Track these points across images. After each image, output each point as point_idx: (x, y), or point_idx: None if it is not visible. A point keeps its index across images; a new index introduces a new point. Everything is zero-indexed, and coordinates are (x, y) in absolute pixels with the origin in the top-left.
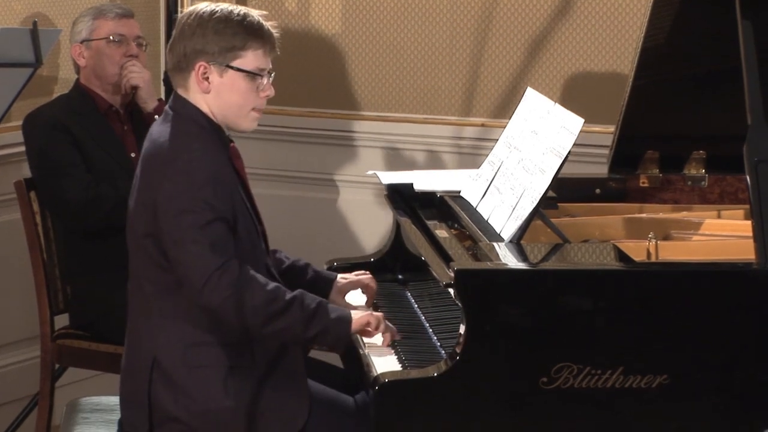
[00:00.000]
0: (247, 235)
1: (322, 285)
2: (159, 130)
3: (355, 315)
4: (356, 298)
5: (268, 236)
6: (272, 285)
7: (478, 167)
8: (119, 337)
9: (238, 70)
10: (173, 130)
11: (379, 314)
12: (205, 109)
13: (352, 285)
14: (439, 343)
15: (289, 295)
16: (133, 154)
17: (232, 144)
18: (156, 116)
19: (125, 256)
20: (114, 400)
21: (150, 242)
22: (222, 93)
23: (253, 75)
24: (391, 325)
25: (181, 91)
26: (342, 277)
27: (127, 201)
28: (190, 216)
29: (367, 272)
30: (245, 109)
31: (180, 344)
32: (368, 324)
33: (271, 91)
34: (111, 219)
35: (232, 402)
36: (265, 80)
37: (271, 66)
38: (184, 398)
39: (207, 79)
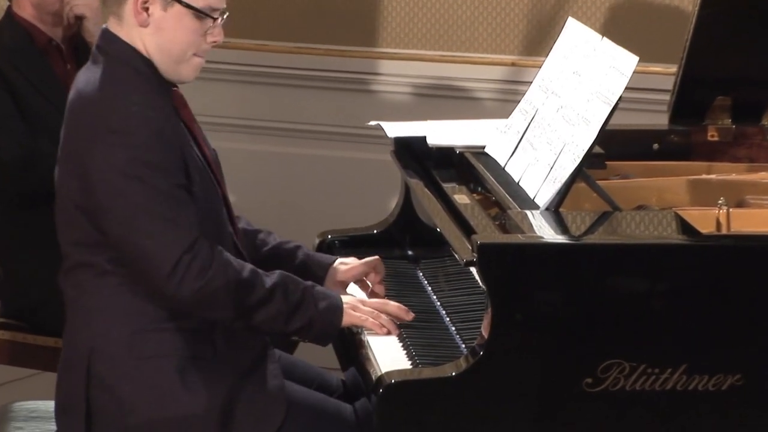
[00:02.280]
0: (207, 203)
1: (315, 272)
2: (86, 77)
3: (349, 306)
4: (359, 289)
5: (245, 203)
6: (248, 269)
7: (507, 117)
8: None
9: (187, 6)
10: (104, 76)
11: (378, 303)
12: (140, 47)
13: (356, 274)
14: (457, 336)
15: (269, 281)
16: None
17: (174, 89)
18: None
19: None
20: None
21: (81, 216)
22: (163, 29)
23: (202, 14)
24: (397, 306)
25: (112, 24)
26: (342, 263)
27: None
28: (137, 186)
29: (376, 256)
30: (187, 53)
31: (124, 331)
32: (365, 322)
33: (220, 36)
34: (53, 181)
35: (191, 398)
36: (216, 22)
37: (225, 5)
38: (131, 399)
39: (147, 10)
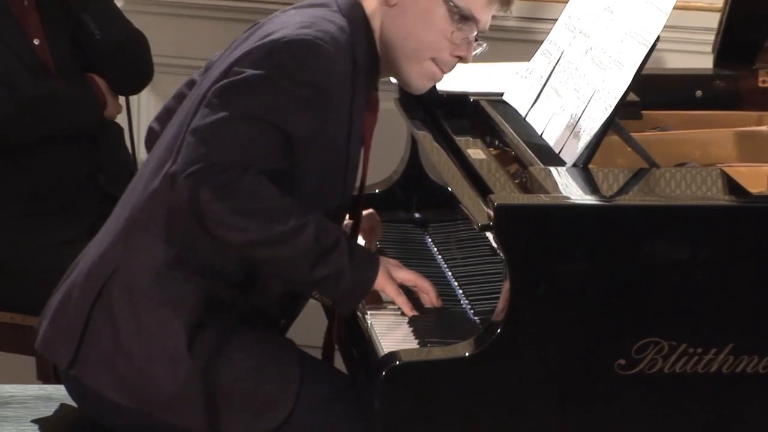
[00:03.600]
0: (319, 183)
1: None
2: (288, 17)
3: (387, 268)
4: None
5: None
6: (286, 198)
7: (529, 59)
8: (21, 299)
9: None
10: (313, 20)
11: (414, 277)
12: (375, 25)
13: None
14: (471, 311)
15: (302, 213)
16: (36, 41)
17: (375, 91)
18: None
19: (35, 185)
20: (6, 389)
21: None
22: (408, 14)
23: (461, 16)
24: (431, 286)
25: None
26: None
27: (32, 107)
28: (251, 94)
29: (370, 209)
30: (423, 53)
31: (155, 264)
32: (396, 295)
33: (467, 54)
34: (6, 134)
35: (189, 367)
36: (469, 34)
37: (486, 27)
38: (129, 341)
39: None
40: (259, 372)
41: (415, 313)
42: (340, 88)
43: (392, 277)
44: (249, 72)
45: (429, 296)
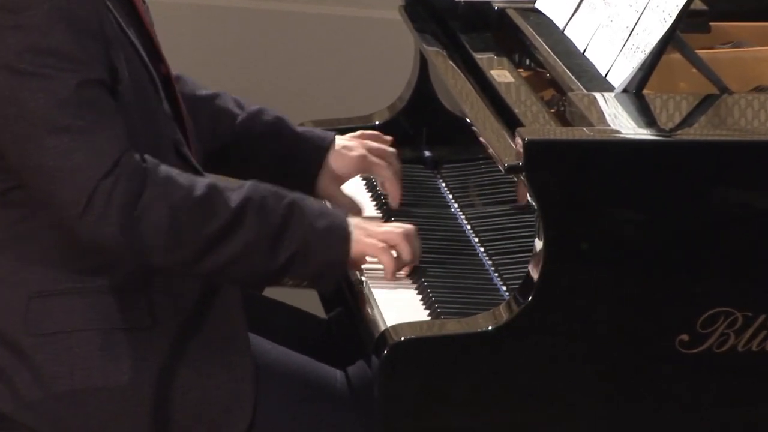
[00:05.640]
0: (135, 92)
1: (304, 157)
2: None
3: (360, 230)
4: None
5: (203, 80)
6: (202, 184)
7: None
8: None
9: None
10: None
11: (404, 230)
12: None
13: (364, 162)
14: (495, 274)
15: (234, 196)
16: None
17: None
18: None
19: None
20: None
21: None
22: None
23: None
24: (414, 256)
25: None
26: (344, 146)
27: None
28: (34, 84)
29: (395, 152)
30: None
31: (20, 294)
32: (381, 255)
33: None
34: None
35: (122, 382)
36: None
37: None
38: (48, 368)
39: None
40: (201, 378)
41: (402, 274)
42: None
43: (370, 238)
44: None
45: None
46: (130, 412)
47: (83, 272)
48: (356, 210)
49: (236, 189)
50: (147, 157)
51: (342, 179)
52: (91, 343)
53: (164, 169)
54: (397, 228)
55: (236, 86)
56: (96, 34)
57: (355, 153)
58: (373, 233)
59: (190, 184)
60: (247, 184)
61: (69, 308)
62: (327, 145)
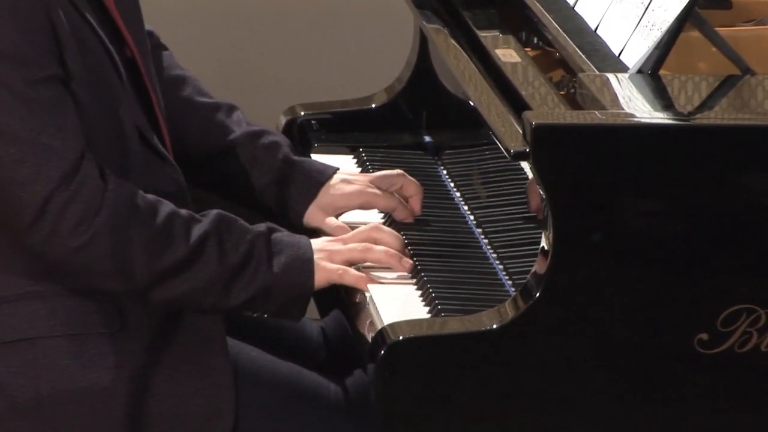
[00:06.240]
0: (93, 82)
1: (294, 190)
2: None
3: (323, 255)
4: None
5: (191, 59)
6: (164, 213)
7: None
8: None
9: None
10: None
11: (366, 232)
12: None
13: (362, 196)
14: (500, 267)
15: (195, 230)
16: None
17: None
18: None
19: None
20: None
21: None
22: None
23: None
24: (394, 236)
25: None
26: (343, 180)
27: None
28: None
29: (401, 172)
30: None
31: None
32: (345, 278)
33: None
34: None
35: (93, 392)
36: None
37: None
38: (10, 379)
39: None
40: (177, 385)
41: (397, 265)
42: None
43: (335, 261)
44: None
45: (391, 262)
46: (102, 424)
47: (43, 276)
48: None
49: (199, 221)
50: (108, 173)
51: (336, 211)
52: (59, 352)
53: (125, 190)
54: (358, 233)
55: (226, 67)
56: (44, 27)
57: (352, 187)
58: (337, 255)
59: (150, 212)
60: (211, 216)
61: (30, 314)
62: (323, 181)
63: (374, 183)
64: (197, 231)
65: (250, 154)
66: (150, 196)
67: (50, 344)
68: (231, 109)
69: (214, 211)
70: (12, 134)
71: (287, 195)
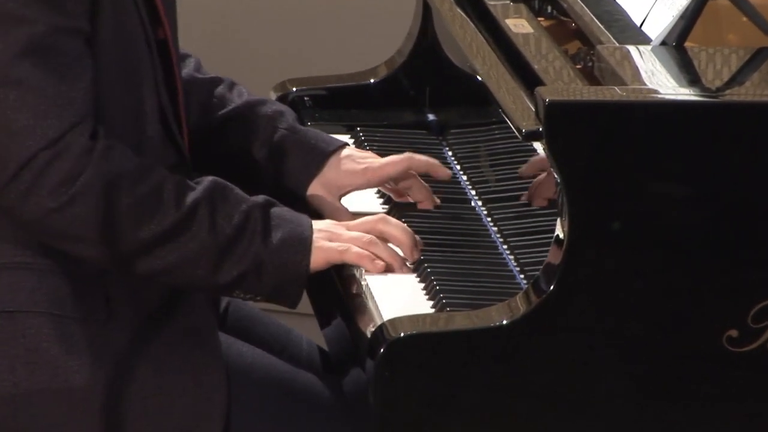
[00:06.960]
0: (122, 51)
1: (303, 162)
2: None
3: (322, 234)
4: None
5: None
6: (154, 177)
7: None
8: None
9: None
10: None
11: (371, 223)
12: None
13: (367, 174)
14: (511, 258)
15: (188, 197)
16: None
17: None
18: None
19: None
20: None
21: None
22: None
23: None
24: (402, 228)
25: None
26: (350, 156)
27: None
28: None
29: (409, 155)
30: None
31: None
32: (347, 255)
33: None
34: None
35: (72, 382)
36: None
37: None
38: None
39: None
40: (163, 381)
41: (396, 265)
42: None
43: (335, 240)
44: None
45: (402, 248)
46: (78, 418)
47: (32, 246)
48: (343, 217)
49: (192, 188)
50: (102, 135)
51: (340, 190)
52: (40, 332)
53: (116, 152)
54: (364, 222)
55: (223, 39)
56: None
57: (360, 165)
58: (338, 239)
59: (139, 174)
60: (206, 182)
61: (13, 285)
62: (330, 150)
63: (383, 179)
64: (189, 198)
65: (252, 123)
66: (144, 159)
67: (32, 322)
68: (232, 84)
69: (209, 178)
70: (15, 80)
71: (290, 164)
